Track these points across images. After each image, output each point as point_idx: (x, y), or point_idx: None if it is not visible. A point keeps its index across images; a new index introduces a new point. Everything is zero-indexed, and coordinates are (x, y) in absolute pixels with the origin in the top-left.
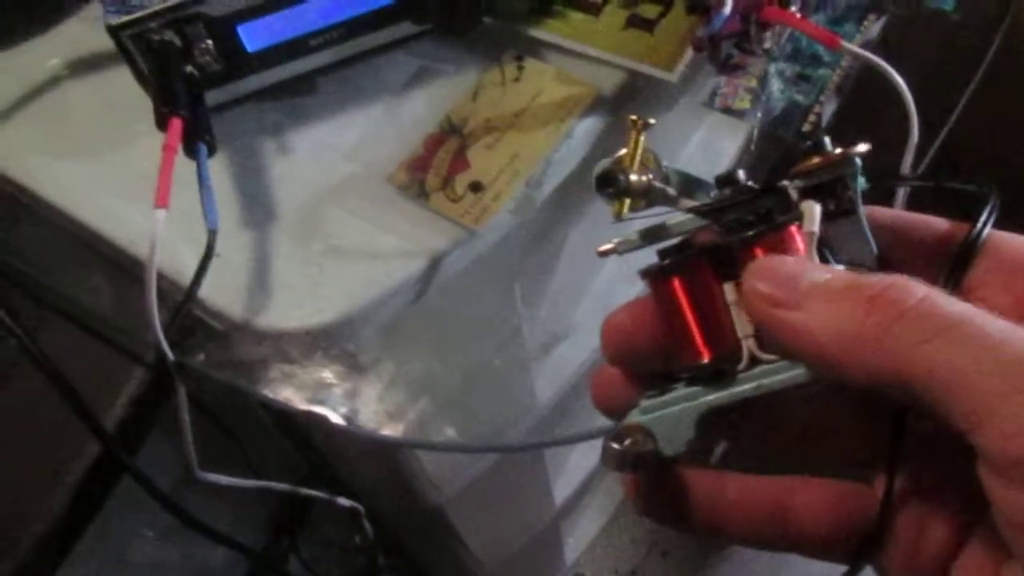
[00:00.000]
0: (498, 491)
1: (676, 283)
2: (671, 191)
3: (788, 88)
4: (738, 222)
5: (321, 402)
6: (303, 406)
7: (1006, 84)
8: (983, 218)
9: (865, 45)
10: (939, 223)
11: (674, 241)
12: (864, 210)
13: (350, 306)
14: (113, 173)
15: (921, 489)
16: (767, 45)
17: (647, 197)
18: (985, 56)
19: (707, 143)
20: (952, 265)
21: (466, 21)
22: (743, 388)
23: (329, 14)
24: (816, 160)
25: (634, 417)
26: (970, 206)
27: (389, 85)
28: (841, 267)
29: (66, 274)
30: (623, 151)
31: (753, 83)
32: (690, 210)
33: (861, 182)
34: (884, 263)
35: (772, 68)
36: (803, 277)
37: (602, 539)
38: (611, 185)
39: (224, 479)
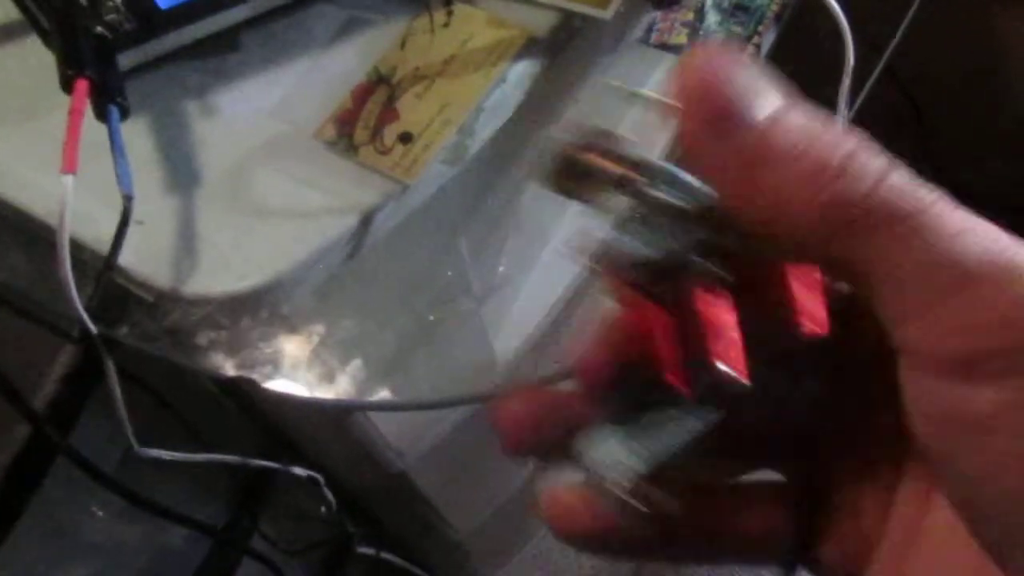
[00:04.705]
0: (465, 454)
1: (694, 294)
2: (659, 193)
3: (726, 20)
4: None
5: (253, 368)
6: (234, 373)
7: (951, 9)
8: None
9: None
10: None
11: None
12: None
13: (280, 268)
14: (27, 143)
15: (850, 476)
16: None
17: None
18: None
19: (658, 86)
20: None
21: None
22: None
23: None
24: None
25: (618, 456)
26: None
27: (315, 37)
28: None
29: None
30: (581, 131)
31: (690, 16)
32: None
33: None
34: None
35: (708, 0)
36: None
37: None
38: (579, 177)
39: (166, 454)
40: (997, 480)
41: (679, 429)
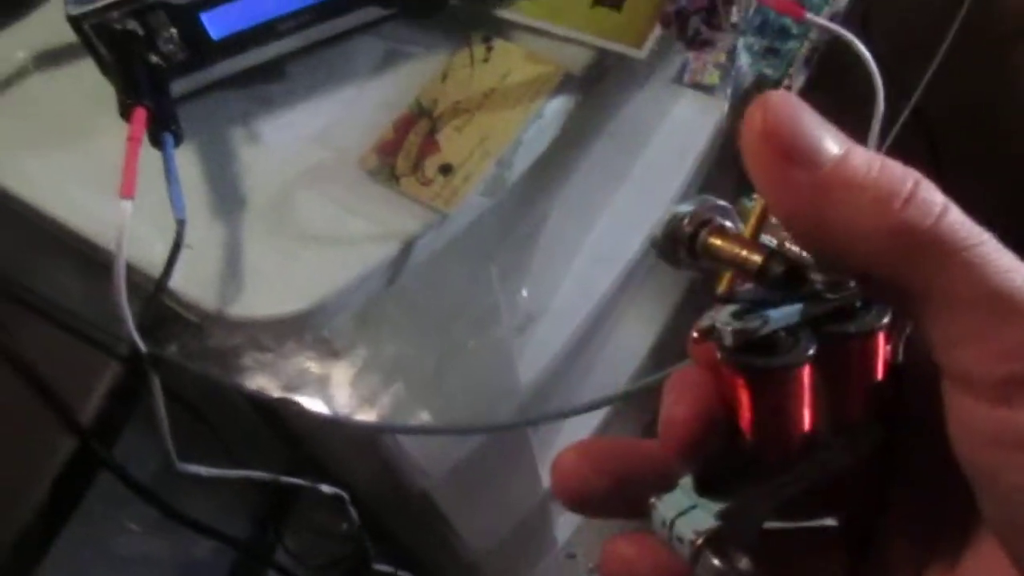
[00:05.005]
0: (485, 474)
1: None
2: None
3: (757, 62)
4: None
5: (295, 389)
6: (277, 394)
7: (976, 48)
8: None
9: (833, 16)
10: None
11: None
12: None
13: (323, 293)
14: (81, 166)
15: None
16: (735, 19)
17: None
18: (956, 17)
19: (681, 121)
20: None
21: (433, 3)
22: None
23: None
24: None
25: (703, 521)
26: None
27: (358, 69)
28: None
29: (36, 269)
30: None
31: (722, 58)
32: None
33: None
34: None
35: (740, 42)
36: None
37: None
38: (693, 252)
39: (204, 470)
40: None
41: (756, 489)
